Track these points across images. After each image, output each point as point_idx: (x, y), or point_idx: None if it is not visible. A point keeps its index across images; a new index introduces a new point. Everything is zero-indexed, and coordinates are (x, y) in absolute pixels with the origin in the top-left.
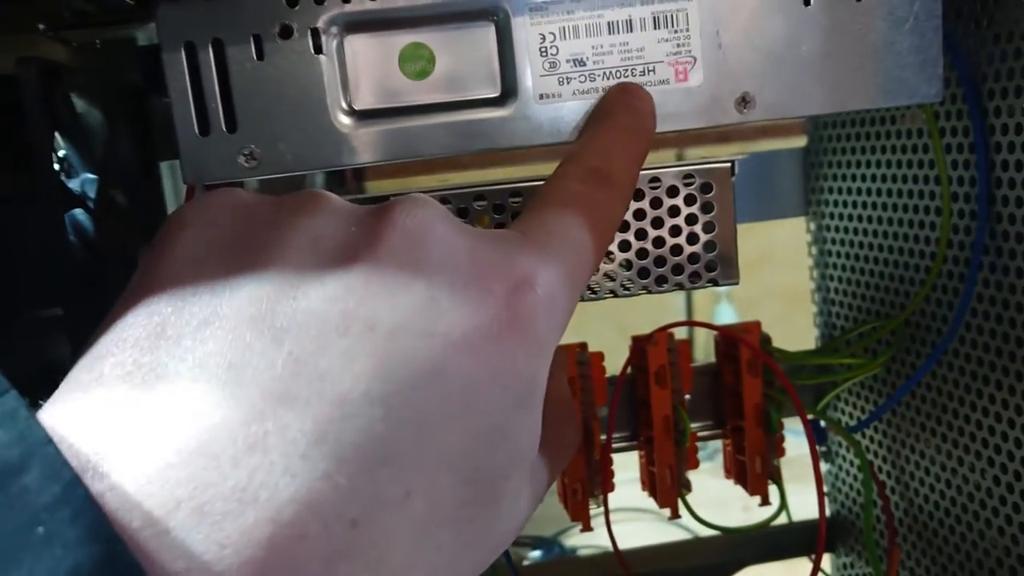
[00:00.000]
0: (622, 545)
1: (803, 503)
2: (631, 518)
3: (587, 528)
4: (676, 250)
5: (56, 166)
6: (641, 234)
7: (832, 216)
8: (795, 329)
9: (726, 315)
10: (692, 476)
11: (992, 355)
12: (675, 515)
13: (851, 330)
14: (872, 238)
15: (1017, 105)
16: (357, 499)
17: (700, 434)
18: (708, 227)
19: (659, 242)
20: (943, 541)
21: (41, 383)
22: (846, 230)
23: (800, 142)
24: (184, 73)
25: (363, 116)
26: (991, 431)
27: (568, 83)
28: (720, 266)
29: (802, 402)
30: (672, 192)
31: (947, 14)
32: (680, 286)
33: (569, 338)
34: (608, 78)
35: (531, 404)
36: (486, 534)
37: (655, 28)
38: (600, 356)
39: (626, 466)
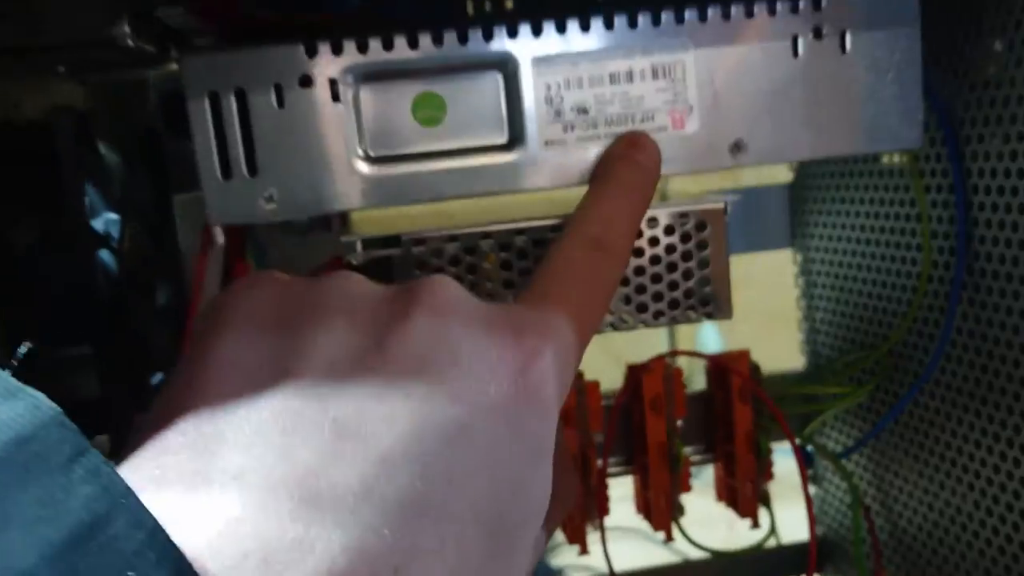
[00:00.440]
0: (601, 565)
1: (786, 521)
2: (617, 537)
3: (584, 551)
4: (672, 286)
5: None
6: (639, 271)
7: (818, 249)
8: (775, 346)
9: (710, 333)
10: None
11: (971, 385)
12: (669, 538)
13: (837, 359)
14: (856, 271)
15: (992, 150)
16: (400, 548)
17: (692, 459)
18: (702, 264)
19: (656, 278)
20: (927, 562)
21: (75, 421)
22: (831, 263)
23: (787, 177)
24: (208, 120)
25: (377, 161)
26: (971, 457)
27: (572, 130)
28: (714, 301)
29: (790, 428)
30: (668, 231)
31: (926, 64)
32: (675, 320)
33: None
34: (610, 124)
35: (544, 459)
36: None
37: (654, 78)
38: (596, 385)
39: (612, 484)
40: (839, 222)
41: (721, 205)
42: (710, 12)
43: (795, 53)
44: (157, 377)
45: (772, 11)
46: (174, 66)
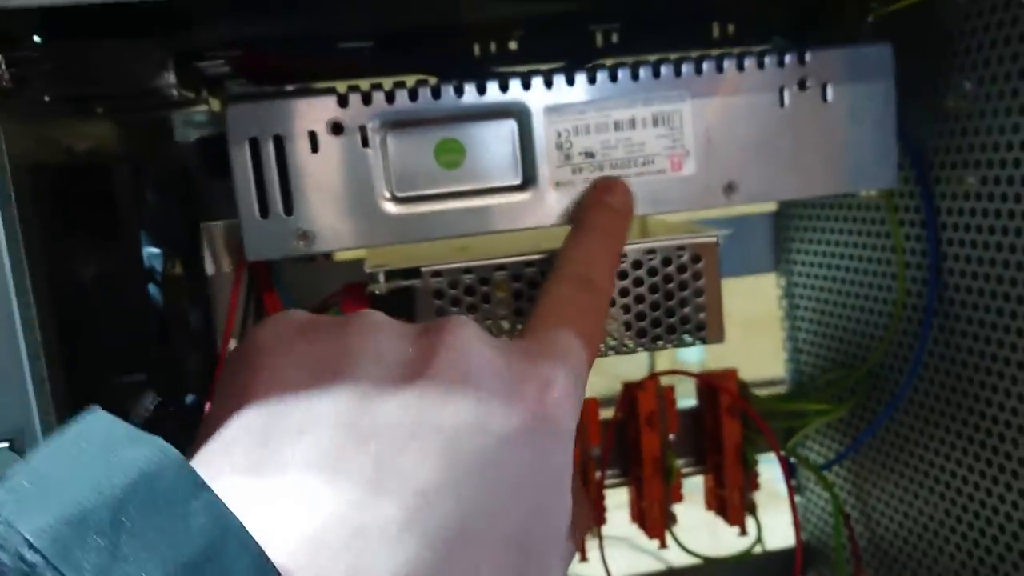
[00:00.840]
0: (599, 572)
1: (768, 525)
2: (612, 544)
3: (584, 559)
4: (669, 313)
5: None
6: (639, 299)
7: (800, 274)
8: (756, 354)
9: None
10: None
11: (943, 404)
12: (663, 545)
13: (819, 377)
14: (836, 296)
15: (960, 190)
16: (439, 573)
17: (684, 470)
18: (697, 293)
19: (655, 306)
20: (902, 566)
21: None
22: (813, 287)
23: (771, 207)
24: (248, 164)
25: (402, 201)
26: (942, 469)
27: (580, 172)
28: (708, 327)
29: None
30: (666, 262)
31: (901, 102)
32: (673, 344)
33: None
34: (614, 168)
35: (564, 484)
36: None
37: (654, 126)
38: (595, 401)
39: (608, 495)
40: (820, 250)
41: (714, 239)
42: (705, 66)
43: (781, 103)
44: (190, 398)
45: (761, 65)
46: (201, 107)
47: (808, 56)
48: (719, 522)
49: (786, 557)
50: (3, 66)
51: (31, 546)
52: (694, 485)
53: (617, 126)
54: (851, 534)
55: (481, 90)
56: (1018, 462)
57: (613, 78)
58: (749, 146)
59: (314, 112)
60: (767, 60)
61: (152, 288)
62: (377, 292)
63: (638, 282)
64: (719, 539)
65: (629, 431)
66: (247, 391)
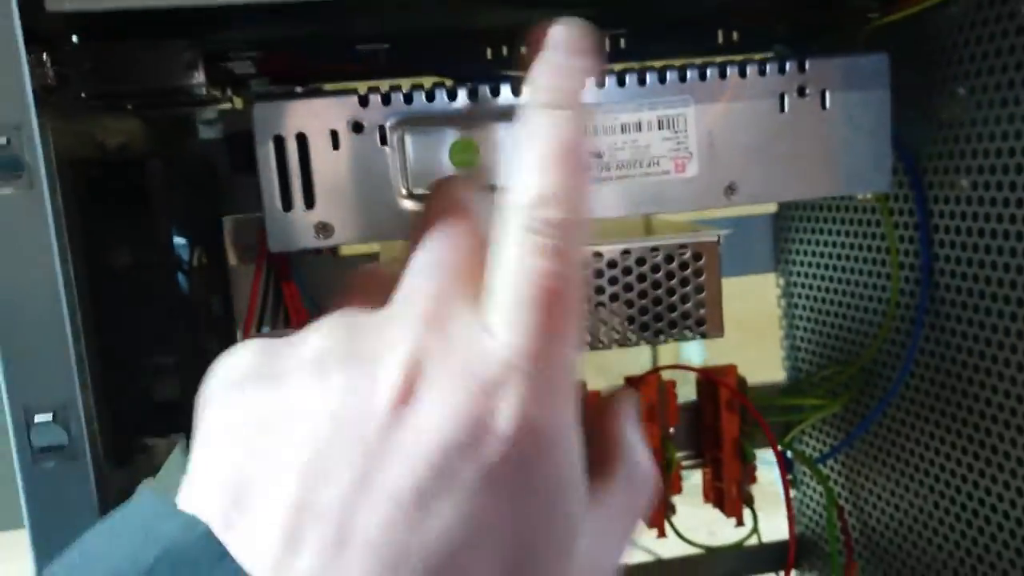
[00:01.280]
0: None
1: (766, 523)
2: None
3: (662, 535)
4: (671, 308)
5: None
6: (642, 294)
7: (798, 274)
8: (753, 353)
9: (694, 345)
10: None
11: (934, 399)
12: (662, 534)
13: (815, 373)
14: (833, 295)
15: (952, 195)
16: None
17: (683, 463)
18: (698, 289)
19: (657, 301)
20: (893, 556)
21: (156, 420)
22: (810, 287)
23: (771, 208)
24: (272, 160)
25: (418, 198)
26: (932, 463)
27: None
28: (708, 322)
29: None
30: (668, 260)
31: (898, 106)
32: (674, 338)
33: None
34: (620, 168)
35: (562, 486)
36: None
37: (659, 129)
38: (596, 394)
39: None
40: (818, 251)
41: (715, 238)
42: (709, 72)
43: (782, 109)
44: None
45: (762, 72)
46: (224, 105)
47: (808, 64)
48: (717, 521)
49: (781, 548)
50: (48, 65)
51: None
52: (694, 486)
53: (624, 129)
54: (844, 525)
55: (495, 92)
56: (1004, 456)
57: (621, 83)
58: (750, 149)
59: (336, 111)
60: (768, 68)
61: (181, 277)
62: None
63: (641, 278)
64: (717, 537)
65: None
66: (207, 438)
